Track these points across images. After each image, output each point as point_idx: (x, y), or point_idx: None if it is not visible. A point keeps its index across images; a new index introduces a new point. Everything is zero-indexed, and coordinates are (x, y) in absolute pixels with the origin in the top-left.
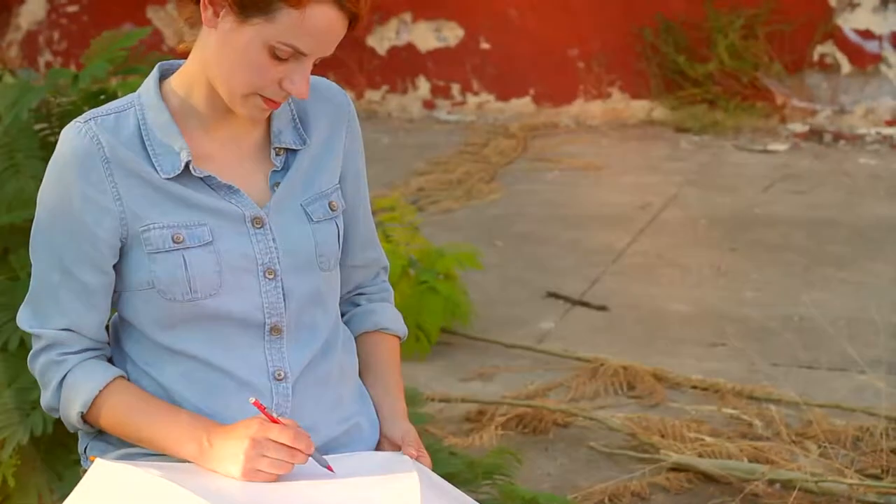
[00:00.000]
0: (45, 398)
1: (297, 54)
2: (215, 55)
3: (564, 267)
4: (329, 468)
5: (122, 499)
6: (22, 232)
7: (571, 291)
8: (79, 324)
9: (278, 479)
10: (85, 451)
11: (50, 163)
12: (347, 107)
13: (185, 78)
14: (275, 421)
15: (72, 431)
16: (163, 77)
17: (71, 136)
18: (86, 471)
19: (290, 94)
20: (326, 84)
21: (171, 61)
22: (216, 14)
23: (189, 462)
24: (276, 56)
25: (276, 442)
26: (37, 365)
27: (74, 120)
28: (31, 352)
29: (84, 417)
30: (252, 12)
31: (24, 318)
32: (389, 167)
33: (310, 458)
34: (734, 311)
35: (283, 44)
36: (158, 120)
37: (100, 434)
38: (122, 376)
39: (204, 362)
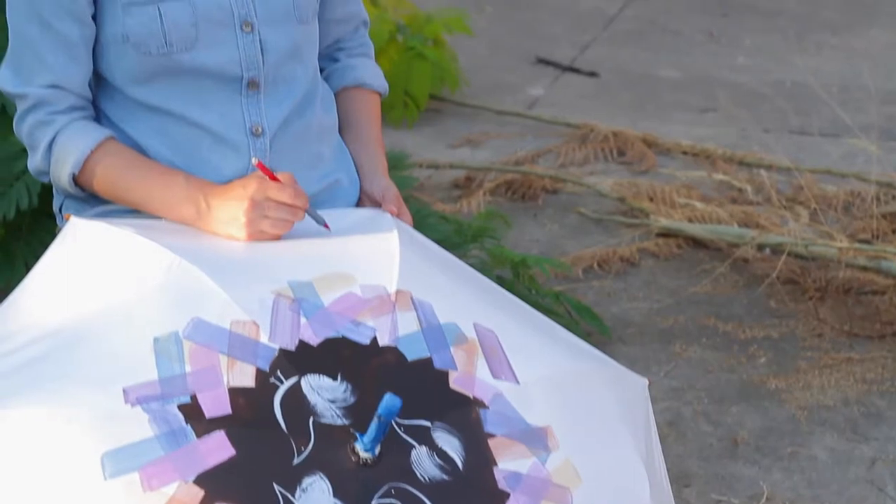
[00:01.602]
0: (34, 161)
1: None
2: None
3: (555, 32)
4: (326, 226)
5: (97, 256)
6: None
7: (562, 57)
8: (64, 79)
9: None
10: (60, 210)
11: None
12: None
13: None
14: (273, 178)
15: (63, 195)
16: None
17: None
18: (61, 229)
19: None
20: None
21: None
22: None
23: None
24: None
25: (275, 201)
26: (24, 127)
27: None
28: (17, 114)
29: (76, 179)
30: None
31: (6, 79)
32: None
33: (306, 214)
34: (726, 77)
35: None
36: None
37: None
38: (113, 137)
39: (179, 117)
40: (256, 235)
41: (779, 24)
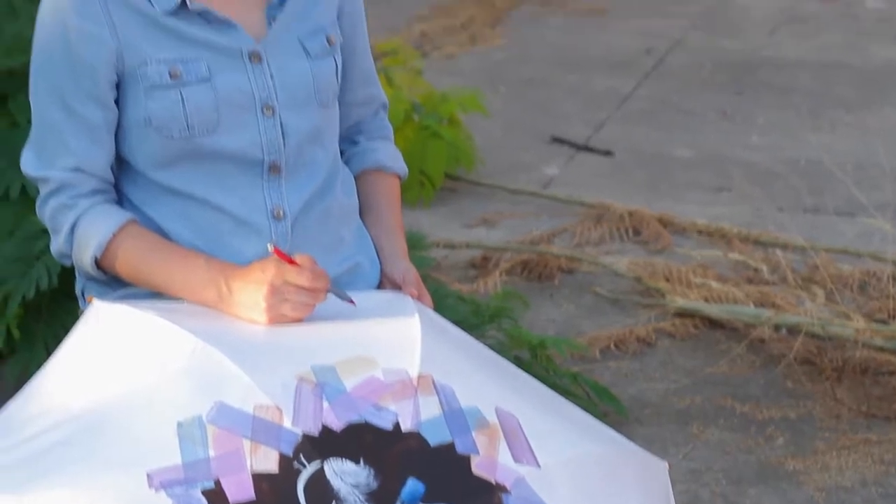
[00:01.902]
0: (57, 244)
1: None
2: None
3: (569, 112)
4: (351, 301)
5: (120, 340)
6: (21, 77)
7: (576, 136)
8: (86, 162)
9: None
10: (83, 293)
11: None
12: None
13: None
14: (290, 261)
15: (85, 278)
16: None
17: None
18: (83, 312)
19: None
20: None
21: None
22: None
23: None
24: None
25: (295, 285)
26: (46, 210)
27: None
28: (40, 197)
29: (98, 263)
30: None
31: (29, 162)
32: (392, 12)
33: (330, 293)
34: (740, 155)
35: None
36: None
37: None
38: (135, 220)
39: (201, 201)
40: (278, 319)
41: (792, 101)
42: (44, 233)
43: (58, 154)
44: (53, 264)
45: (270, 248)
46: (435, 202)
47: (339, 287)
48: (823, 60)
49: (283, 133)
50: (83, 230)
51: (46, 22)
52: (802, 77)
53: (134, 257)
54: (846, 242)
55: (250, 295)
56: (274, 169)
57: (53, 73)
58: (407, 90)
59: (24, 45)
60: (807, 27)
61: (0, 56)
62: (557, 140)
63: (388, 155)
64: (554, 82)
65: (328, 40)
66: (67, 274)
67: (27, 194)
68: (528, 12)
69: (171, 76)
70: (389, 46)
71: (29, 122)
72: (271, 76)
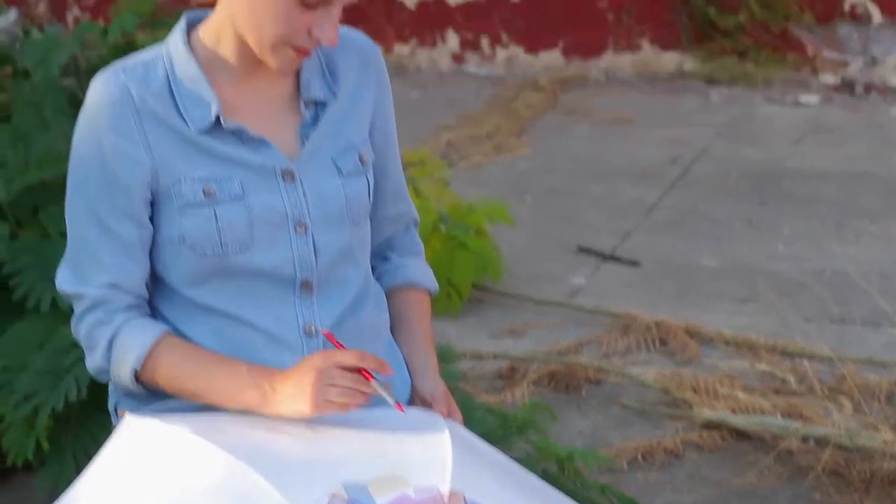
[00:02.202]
0: (94, 360)
1: (325, 1)
2: (244, 7)
3: (595, 221)
4: (399, 407)
5: (152, 455)
6: (52, 189)
7: (603, 246)
8: (122, 279)
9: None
10: (115, 409)
11: (80, 115)
12: (376, 58)
13: (213, 28)
14: (340, 346)
15: (119, 393)
16: (190, 28)
17: (101, 87)
18: (116, 427)
19: (321, 41)
20: (355, 35)
21: (198, 11)
22: None
23: (241, 414)
24: (304, 4)
25: (342, 366)
26: (82, 327)
27: (101, 71)
28: (75, 315)
29: (137, 375)
30: None
31: (65, 280)
32: (419, 122)
33: (380, 393)
34: (766, 266)
35: None
36: (187, 71)
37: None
38: (171, 332)
39: (234, 318)
40: (323, 406)
41: (817, 211)
42: (73, 346)
43: (93, 271)
44: (83, 376)
45: (323, 331)
46: (462, 312)
47: (369, 404)
48: (848, 170)
49: (315, 251)
50: (121, 344)
51: (83, 139)
52: (827, 187)
53: (174, 367)
54: (873, 352)
55: (295, 384)
56: (306, 286)
57: (89, 191)
58: (434, 201)
59: (55, 157)
60: (831, 137)
61: (31, 168)
62: (584, 250)
63: (420, 271)
64: (580, 192)
65: (360, 158)
66: (97, 386)
67: (57, 307)
68: (553, 121)
69: (204, 194)
70: (417, 157)
71: (60, 234)
72: (304, 194)
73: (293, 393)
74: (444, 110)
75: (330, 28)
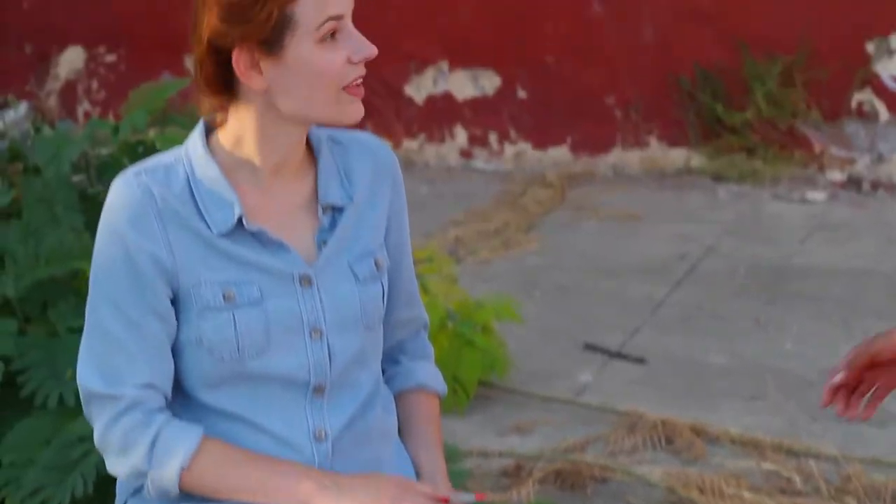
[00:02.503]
0: (130, 462)
1: (338, 23)
2: (287, 95)
3: (603, 318)
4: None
5: None
6: (61, 285)
7: (610, 343)
8: (156, 379)
9: None
10: None
11: (102, 216)
12: (392, 163)
13: (232, 133)
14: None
15: (160, 494)
16: (208, 131)
17: (123, 188)
18: None
19: (365, 59)
20: (371, 139)
21: (214, 115)
22: (256, 67)
23: None
24: (327, 41)
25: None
26: (117, 430)
27: (122, 173)
28: (108, 417)
29: (181, 476)
30: (281, 33)
31: (93, 380)
32: (427, 217)
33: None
34: (773, 364)
35: (321, 25)
36: (208, 174)
37: (138, 491)
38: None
39: (245, 421)
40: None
41: (825, 309)
42: (80, 442)
43: (126, 371)
44: (89, 472)
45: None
46: (468, 409)
47: None
48: (855, 268)
49: (329, 356)
50: (164, 445)
51: (106, 240)
52: (834, 284)
53: (222, 464)
54: (879, 452)
55: (368, 483)
56: (318, 391)
57: (115, 289)
58: (442, 297)
59: (65, 253)
60: (838, 234)
61: (41, 264)
62: (590, 347)
63: (429, 375)
64: (588, 288)
65: (376, 264)
66: (102, 483)
67: (64, 404)
68: (561, 217)
69: (224, 298)
70: (425, 254)
71: (69, 330)
72: (321, 300)
73: (364, 486)
74: (453, 205)
75: (362, 42)
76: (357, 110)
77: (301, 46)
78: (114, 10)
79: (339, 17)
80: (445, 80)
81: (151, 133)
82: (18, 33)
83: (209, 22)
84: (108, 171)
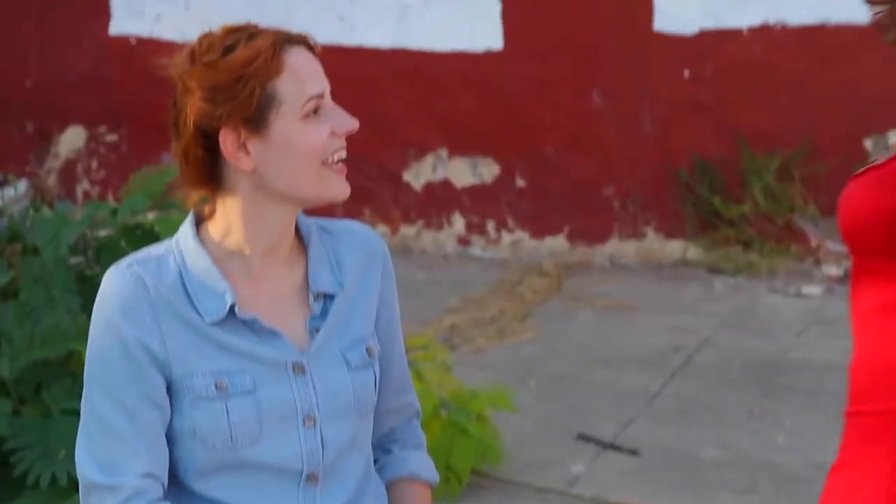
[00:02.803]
0: None
1: (319, 101)
2: (275, 173)
3: (598, 408)
4: None
5: None
6: (56, 367)
7: (604, 433)
8: (155, 468)
9: None
10: None
11: (95, 307)
12: (382, 250)
13: (222, 222)
14: None
15: None
16: (198, 222)
17: (115, 279)
18: None
19: (347, 132)
20: (361, 228)
21: (203, 207)
22: (243, 147)
23: None
24: (310, 116)
25: None
26: None
27: (115, 265)
28: None
29: None
30: (264, 112)
31: (91, 469)
32: (424, 304)
33: None
34: (767, 457)
35: (304, 104)
36: (199, 264)
37: None
38: None
39: None
40: None
41: (820, 403)
42: None
43: (126, 460)
44: None
45: None
46: (460, 497)
47: None
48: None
49: (322, 444)
50: None
51: (100, 331)
52: (830, 379)
53: None
54: None
55: None
56: (311, 478)
57: (111, 379)
58: (436, 386)
59: (60, 335)
60: (834, 328)
61: (36, 346)
62: (583, 437)
63: (421, 464)
64: (583, 378)
65: (368, 351)
66: None
67: (56, 483)
68: (557, 306)
69: (216, 388)
70: (419, 341)
71: (63, 412)
72: (314, 388)
73: None
74: (449, 293)
75: (343, 115)
76: (343, 187)
77: (286, 123)
78: (115, 90)
79: (320, 95)
80: (444, 168)
81: (150, 216)
82: (20, 111)
83: (194, 105)
84: (106, 253)
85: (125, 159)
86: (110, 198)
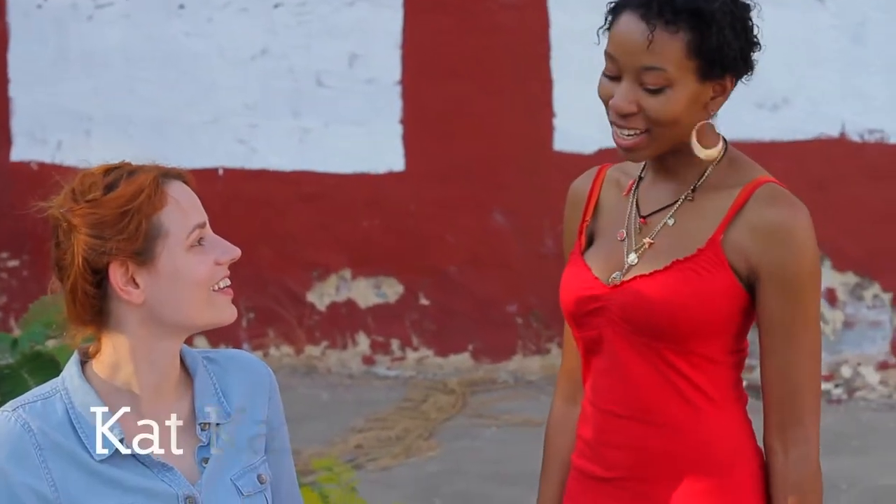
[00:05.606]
0: None
1: (202, 230)
2: (165, 304)
3: None
4: None
5: None
6: None
7: None
8: None
9: None
10: None
11: None
12: (269, 378)
13: (108, 360)
14: None
15: None
16: (84, 360)
17: (1, 426)
18: None
19: (230, 260)
20: (247, 357)
21: (88, 345)
22: (132, 281)
23: None
24: (195, 247)
25: None
26: None
27: (1, 409)
28: None
29: None
30: (151, 244)
31: None
32: (328, 424)
33: None
34: None
35: (189, 234)
36: (86, 401)
37: None
38: None
39: None
40: None
41: None
42: None
43: None
44: None
45: None
46: None
47: None
48: None
49: None
50: None
51: None
52: None
53: None
54: None
55: None
56: None
57: None
58: None
59: None
60: None
61: None
62: None
63: None
64: (489, 495)
65: (259, 479)
66: None
67: None
68: (462, 424)
69: None
70: (324, 463)
71: None
72: None
73: None
74: (354, 412)
75: (224, 245)
76: (231, 311)
77: (173, 254)
78: (18, 216)
79: (203, 225)
80: (348, 288)
81: (50, 344)
82: None
83: (80, 242)
84: (7, 383)
85: (27, 284)
86: (13, 322)
